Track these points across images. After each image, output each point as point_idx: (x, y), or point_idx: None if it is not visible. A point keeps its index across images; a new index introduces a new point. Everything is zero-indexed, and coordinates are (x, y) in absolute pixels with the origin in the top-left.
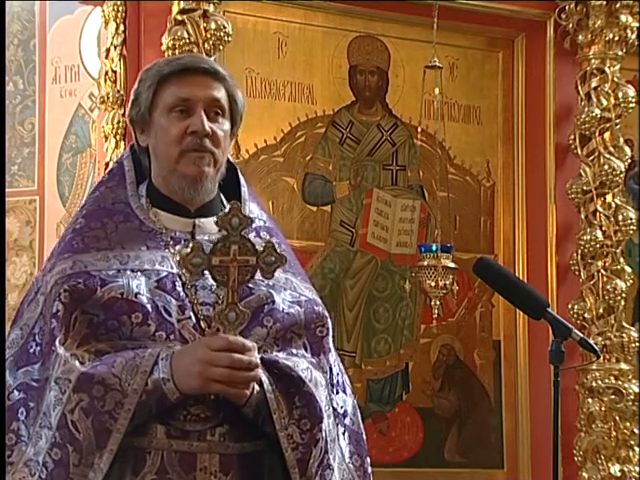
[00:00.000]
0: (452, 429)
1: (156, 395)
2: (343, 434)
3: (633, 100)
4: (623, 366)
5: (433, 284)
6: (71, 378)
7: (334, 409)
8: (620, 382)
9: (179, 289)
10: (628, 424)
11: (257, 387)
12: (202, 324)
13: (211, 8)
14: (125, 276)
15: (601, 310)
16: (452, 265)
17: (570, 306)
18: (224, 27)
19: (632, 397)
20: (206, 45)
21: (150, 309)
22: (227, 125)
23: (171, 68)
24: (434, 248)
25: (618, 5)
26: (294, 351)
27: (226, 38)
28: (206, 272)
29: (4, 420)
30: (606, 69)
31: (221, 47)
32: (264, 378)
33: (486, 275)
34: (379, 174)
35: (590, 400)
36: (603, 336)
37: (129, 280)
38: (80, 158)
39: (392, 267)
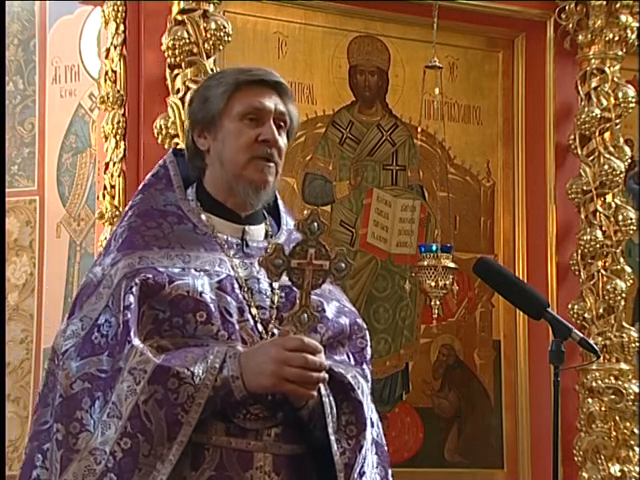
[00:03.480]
0: (452, 429)
1: (223, 392)
2: (371, 444)
3: (633, 100)
4: (623, 366)
5: (433, 284)
6: (147, 369)
7: (370, 419)
8: (620, 382)
9: (237, 291)
10: (628, 424)
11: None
12: (259, 327)
13: (211, 8)
14: (190, 275)
15: (601, 310)
16: (452, 265)
17: (570, 306)
18: (224, 27)
19: (632, 397)
20: (206, 45)
21: (213, 309)
22: (285, 139)
23: (248, 77)
24: (434, 248)
25: (618, 5)
26: (337, 358)
27: (226, 38)
28: (284, 273)
29: (4, 420)
30: (606, 69)
31: (221, 47)
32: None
33: (486, 275)
34: (379, 174)
35: (590, 400)
36: (603, 336)
37: (194, 279)
38: (80, 158)
39: (392, 267)
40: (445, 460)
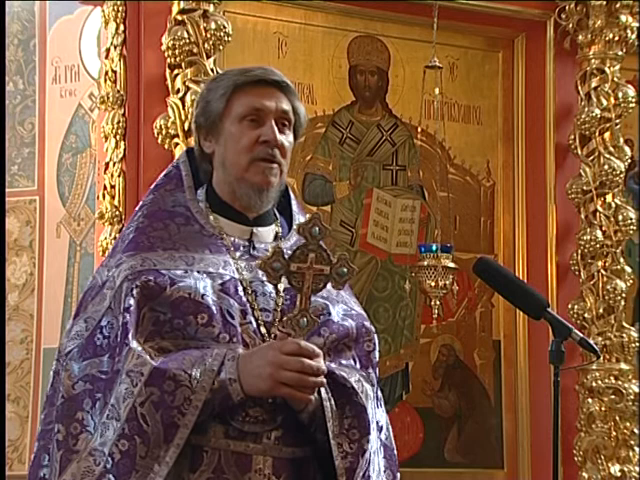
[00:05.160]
0: (452, 429)
1: (220, 395)
2: (380, 448)
3: (633, 100)
4: (623, 366)
5: (433, 284)
6: (143, 372)
7: (377, 422)
8: (620, 382)
9: (241, 294)
10: (628, 424)
11: (315, 394)
12: (262, 329)
13: (211, 8)
14: (192, 277)
15: (601, 310)
16: (452, 265)
17: (570, 306)
18: (224, 27)
19: (632, 397)
20: (206, 45)
21: (215, 311)
22: (291, 137)
23: (246, 78)
24: (434, 248)
25: (618, 5)
26: (344, 362)
27: (226, 38)
28: (283, 277)
29: (4, 420)
30: (606, 69)
31: (221, 47)
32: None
33: (486, 275)
34: (379, 174)
35: (590, 400)
36: (603, 336)
37: (196, 281)
38: (80, 158)
39: (392, 267)
40: (445, 460)
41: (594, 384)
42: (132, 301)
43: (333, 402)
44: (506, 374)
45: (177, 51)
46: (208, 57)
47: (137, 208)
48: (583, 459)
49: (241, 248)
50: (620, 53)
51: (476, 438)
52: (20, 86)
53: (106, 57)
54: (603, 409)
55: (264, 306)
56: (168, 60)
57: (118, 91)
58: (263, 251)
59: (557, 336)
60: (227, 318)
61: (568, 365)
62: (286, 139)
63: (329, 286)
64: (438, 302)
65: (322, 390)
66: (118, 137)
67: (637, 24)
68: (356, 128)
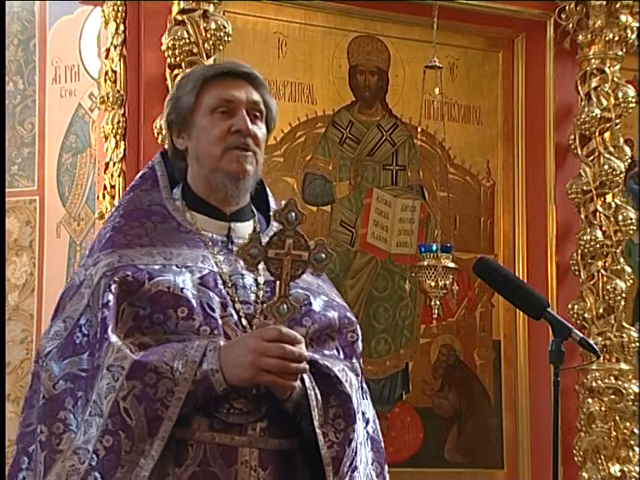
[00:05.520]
0: (452, 429)
1: (203, 386)
2: (366, 440)
3: (633, 100)
4: (623, 366)
5: (433, 284)
6: (124, 365)
7: (362, 413)
8: (620, 382)
9: (220, 287)
10: (628, 424)
11: (299, 384)
12: (243, 321)
13: (211, 8)
14: (171, 271)
15: (601, 310)
16: (452, 265)
17: (570, 306)
18: (224, 27)
19: (632, 397)
20: (206, 45)
21: (195, 304)
22: (264, 129)
23: (214, 71)
24: (434, 248)
25: (618, 5)
26: (327, 352)
27: (226, 38)
28: (261, 264)
29: (4, 420)
30: (606, 69)
31: (221, 47)
32: (305, 375)
33: (486, 275)
34: (379, 174)
35: (590, 400)
36: (603, 336)
37: (175, 275)
38: (80, 158)
39: (392, 267)
40: (445, 460)
41: (594, 384)
42: (110, 297)
43: (318, 391)
44: (506, 374)
45: (177, 51)
46: (208, 57)
47: (114, 209)
48: (583, 459)
49: (219, 244)
50: (620, 53)
51: (476, 438)
52: (20, 86)
53: (106, 57)
54: (603, 409)
55: (244, 298)
56: (168, 60)
57: (118, 91)
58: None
59: (557, 336)
60: (207, 311)
61: (568, 365)
62: (259, 129)
63: (309, 276)
64: (438, 302)
65: (306, 379)
66: (118, 137)
67: (637, 24)
68: (356, 128)
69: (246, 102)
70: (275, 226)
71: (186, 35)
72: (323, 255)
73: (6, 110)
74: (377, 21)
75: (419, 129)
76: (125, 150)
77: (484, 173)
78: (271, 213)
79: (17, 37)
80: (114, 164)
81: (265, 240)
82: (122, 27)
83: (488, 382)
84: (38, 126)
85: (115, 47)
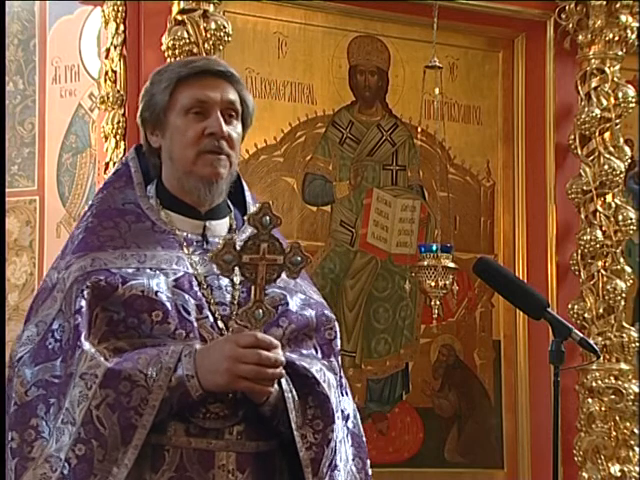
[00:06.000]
0: (452, 429)
1: (178, 392)
2: (347, 436)
3: (633, 100)
4: (623, 366)
5: (433, 284)
6: (98, 374)
7: (342, 411)
8: (620, 382)
9: (196, 289)
10: (628, 424)
11: (276, 386)
12: (219, 323)
13: (211, 8)
14: (145, 274)
15: (601, 310)
16: (452, 265)
17: (570, 306)
18: (224, 27)
19: (632, 397)
20: (206, 45)
21: (170, 307)
22: (240, 128)
23: (188, 70)
24: (434, 248)
25: (618, 5)
26: (305, 352)
27: (226, 38)
28: (236, 269)
29: (4, 420)
30: (606, 69)
31: (221, 47)
32: (282, 378)
33: (486, 275)
34: (379, 174)
35: (590, 400)
36: (603, 336)
37: (149, 278)
38: (80, 158)
39: (392, 267)
40: (445, 460)
41: (594, 384)
42: (83, 302)
43: (295, 393)
44: (506, 374)
45: (177, 51)
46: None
47: (87, 208)
48: (583, 459)
49: (194, 243)
50: (620, 53)
51: (476, 438)
52: (20, 86)
53: (106, 57)
54: (603, 409)
55: (220, 300)
56: (168, 60)
57: (118, 91)
58: (217, 245)
59: (557, 336)
60: (183, 314)
61: (568, 365)
62: (234, 130)
63: (285, 276)
64: (438, 302)
65: (283, 381)
66: (118, 137)
67: (637, 24)
68: (356, 128)
69: (221, 102)
70: (249, 227)
71: (186, 35)
72: (299, 258)
73: (6, 110)
74: (377, 21)
75: (419, 129)
76: (125, 150)
77: (484, 173)
78: (245, 218)
79: (17, 37)
80: (114, 164)
81: (239, 245)
82: (122, 27)
83: (488, 382)
84: (38, 126)
85: (115, 47)
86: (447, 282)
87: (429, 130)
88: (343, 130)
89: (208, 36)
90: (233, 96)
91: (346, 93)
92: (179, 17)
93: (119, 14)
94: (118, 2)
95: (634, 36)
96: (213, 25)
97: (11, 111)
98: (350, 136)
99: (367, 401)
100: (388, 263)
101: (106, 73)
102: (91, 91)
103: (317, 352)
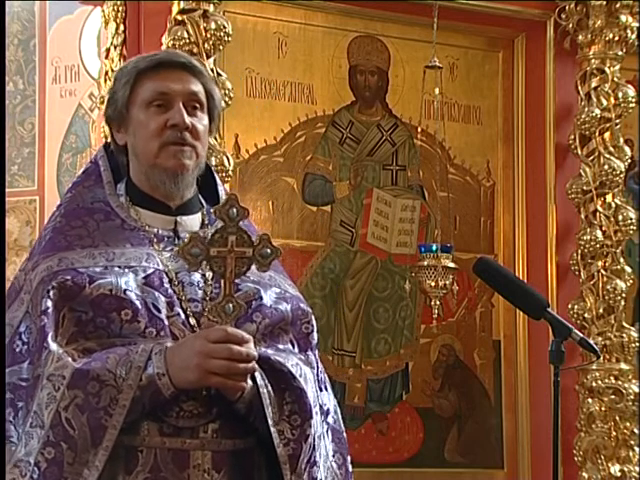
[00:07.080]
0: (452, 429)
1: (150, 391)
2: (327, 432)
3: (633, 100)
4: (623, 366)
5: (433, 284)
6: (65, 374)
7: (320, 406)
8: (620, 382)
9: (166, 286)
10: (628, 424)
11: (250, 382)
12: (191, 320)
13: (211, 8)
14: (113, 273)
15: (601, 310)
16: (452, 265)
17: (570, 306)
18: (224, 27)
19: (632, 397)
20: (206, 45)
21: (139, 306)
22: (206, 120)
23: (147, 63)
24: (434, 248)
25: (618, 5)
26: (281, 347)
27: (226, 38)
28: (204, 263)
29: (4, 420)
30: (606, 69)
31: (221, 47)
32: (257, 373)
33: (486, 275)
34: (379, 174)
35: (590, 400)
36: (603, 336)
37: (117, 277)
38: (80, 158)
39: (392, 267)
40: (445, 460)
41: (594, 384)
42: (49, 303)
43: (271, 388)
44: (506, 374)
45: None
46: (208, 57)
47: (55, 208)
48: (583, 459)
49: (165, 239)
50: (620, 53)
51: (476, 438)
52: (20, 86)
53: (106, 57)
54: (603, 409)
55: (192, 296)
56: None
57: None
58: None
59: (557, 336)
60: (153, 312)
61: (568, 365)
62: (199, 122)
63: (255, 269)
64: (438, 302)
65: (258, 377)
66: None
67: (637, 24)
68: (356, 128)
69: (182, 94)
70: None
71: (186, 35)
72: (268, 250)
73: (6, 110)
74: (377, 21)
75: (419, 129)
76: None
77: (484, 173)
78: (212, 210)
79: (17, 37)
80: None
81: (207, 238)
82: (122, 27)
83: (488, 382)
84: (38, 126)
85: (115, 47)
86: (447, 282)
87: (429, 130)
88: (343, 130)
89: (208, 36)
90: (196, 87)
91: (346, 93)
92: (179, 17)
93: (119, 14)
94: (118, 2)
95: (634, 36)
96: (213, 25)
97: (11, 111)
98: (350, 136)
99: (367, 401)
100: (388, 263)
101: (106, 73)
102: (91, 91)
103: (294, 346)
